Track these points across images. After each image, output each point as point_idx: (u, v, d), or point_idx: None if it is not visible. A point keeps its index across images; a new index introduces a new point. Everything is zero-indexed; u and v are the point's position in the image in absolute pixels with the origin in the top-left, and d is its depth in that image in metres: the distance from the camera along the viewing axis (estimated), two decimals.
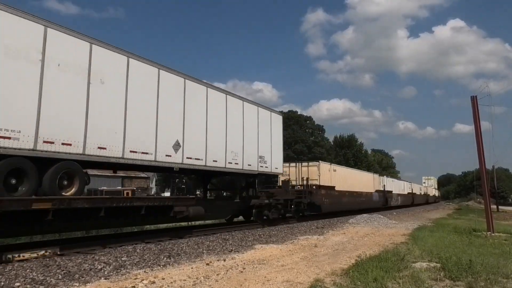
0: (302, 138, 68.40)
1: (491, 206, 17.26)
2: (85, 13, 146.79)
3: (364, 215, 23.26)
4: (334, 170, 26.37)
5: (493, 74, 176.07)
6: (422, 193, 65.15)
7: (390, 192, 40.33)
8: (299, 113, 76.74)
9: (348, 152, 74.56)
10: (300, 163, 24.31)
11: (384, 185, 38.63)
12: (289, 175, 23.34)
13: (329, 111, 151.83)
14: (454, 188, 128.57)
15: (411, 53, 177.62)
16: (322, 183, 23.58)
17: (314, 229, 16.45)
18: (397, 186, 45.33)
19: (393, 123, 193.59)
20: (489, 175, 36.62)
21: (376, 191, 35.40)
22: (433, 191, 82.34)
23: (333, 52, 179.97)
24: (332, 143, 79.51)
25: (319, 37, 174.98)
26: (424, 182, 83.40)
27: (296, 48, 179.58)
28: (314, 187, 22.79)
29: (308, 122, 74.97)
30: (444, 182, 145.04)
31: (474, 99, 15.70)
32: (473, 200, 73.23)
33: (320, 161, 24.69)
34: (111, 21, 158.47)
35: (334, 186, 25.48)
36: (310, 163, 24.12)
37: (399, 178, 65.08)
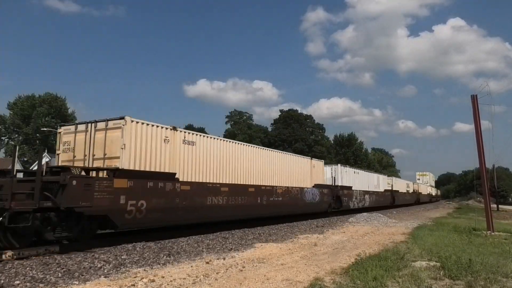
0: (302, 136, 68.47)
1: (491, 205, 17.26)
2: (85, 11, 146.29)
3: (364, 214, 23.26)
4: (189, 143, 13.57)
5: (493, 73, 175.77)
6: (411, 191, 53.82)
7: (348, 188, 28.31)
8: (299, 111, 76.77)
9: (348, 150, 74.63)
10: (93, 124, 11.98)
11: (334, 178, 26.58)
12: (73, 149, 12.24)
13: (329, 110, 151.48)
14: (454, 187, 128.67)
15: (411, 52, 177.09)
16: (129, 166, 11.19)
17: (314, 228, 16.47)
18: (363, 181, 32.37)
19: (393, 122, 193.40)
20: (489, 174, 36.58)
21: (316, 186, 22.91)
22: (428, 189, 72.35)
23: (333, 51, 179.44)
24: (332, 141, 79.59)
25: (319, 36, 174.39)
26: (418, 179, 75.27)
27: (296, 47, 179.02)
28: (79, 173, 9.83)
29: (308, 120, 75.02)
30: (444, 181, 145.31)
31: (474, 98, 15.69)
32: (473, 199, 73.19)
33: (127, 117, 11.35)
34: (111, 20, 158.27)
35: (175, 174, 12.58)
36: (111, 123, 11.61)
37: (399, 176, 63.75)
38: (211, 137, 15.15)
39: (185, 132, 13.80)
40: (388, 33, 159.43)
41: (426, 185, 71.99)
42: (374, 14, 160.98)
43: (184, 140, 13.53)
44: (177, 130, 13.29)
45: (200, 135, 14.71)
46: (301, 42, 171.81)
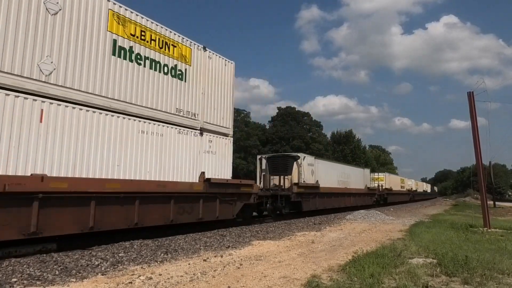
0: (300, 134, 68.45)
1: (488, 202, 17.34)
2: None
3: (362, 211, 23.32)
4: None
5: (487, 70, 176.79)
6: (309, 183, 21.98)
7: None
8: (296, 109, 76.73)
9: (345, 148, 74.66)
10: None
11: None
12: None
13: (326, 107, 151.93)
14: (451, 184, 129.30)
15: (405, 49, 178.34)
16: None
17: (311, 225, 16.50)
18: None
19: (389, 119, 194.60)
20: (486, 171, 36.69)
21: None
22: (364, 182, 33.37)
23: (328, 49, 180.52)
24: (329, 139, 79.63)
25: (313, 33, 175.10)
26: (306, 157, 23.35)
27: (291, 44, 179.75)
28: None
29: (305, 118, 74.93)
30: (441, 178, 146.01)
31: (470, 95, 15.73)
32: (470, 196, 73.55)
33: None
34: None
35: None
36: None
37: (396, 173, 60.40)
38: None
39: None
40: (382, 30, 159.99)
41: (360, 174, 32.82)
42: (368, 12, 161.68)
43: None
44: None
45: None
46: (296, 40, 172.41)
